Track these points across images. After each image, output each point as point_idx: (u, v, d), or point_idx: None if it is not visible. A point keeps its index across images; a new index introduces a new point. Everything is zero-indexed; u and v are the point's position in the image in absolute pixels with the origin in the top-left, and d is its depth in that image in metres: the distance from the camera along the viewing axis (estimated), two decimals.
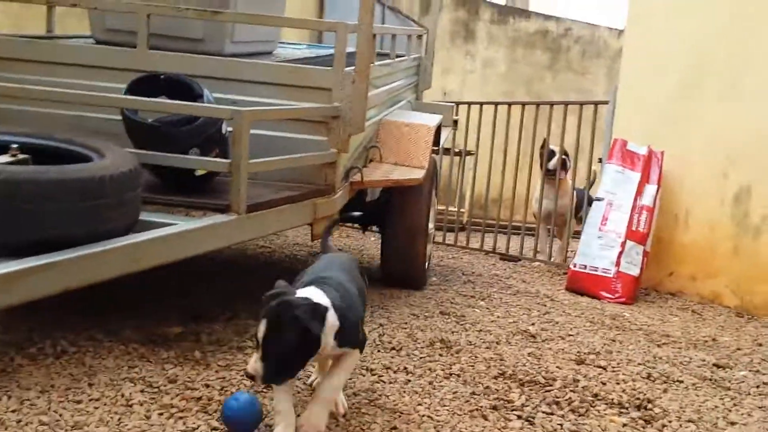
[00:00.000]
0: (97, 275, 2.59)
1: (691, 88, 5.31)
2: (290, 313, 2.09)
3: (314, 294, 2.19)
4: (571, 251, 6.04)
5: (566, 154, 6.04)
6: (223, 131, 3.20)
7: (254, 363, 2.12)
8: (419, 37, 5.58)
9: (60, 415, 2.29)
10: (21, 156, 2.76)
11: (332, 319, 2.18)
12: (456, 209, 7.30)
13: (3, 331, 2.94)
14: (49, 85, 3.34)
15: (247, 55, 3.85)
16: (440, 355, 3.27)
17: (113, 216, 2.67)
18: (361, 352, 2.38)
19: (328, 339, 2.18)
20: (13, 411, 2.29)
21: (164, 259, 2.80)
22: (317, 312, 2.13)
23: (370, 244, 6.02)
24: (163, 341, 3.04)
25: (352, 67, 3.48)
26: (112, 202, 2.64)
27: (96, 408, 2.37)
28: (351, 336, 2.27)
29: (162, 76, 3.24)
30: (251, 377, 2.13)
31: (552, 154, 6.01)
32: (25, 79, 3.42)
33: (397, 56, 4.71)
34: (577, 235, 6.18)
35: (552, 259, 6.11)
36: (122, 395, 2.48)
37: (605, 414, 2.79)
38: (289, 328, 2.08)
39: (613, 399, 2.93)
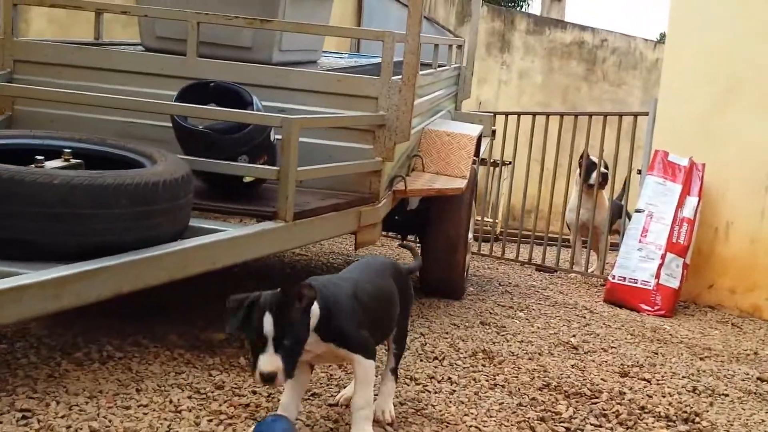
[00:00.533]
0: (148, 280, 2.62)
1: (731, 100, 5.26)
2: (285, 293, 2.06)
3: None
4: (607, 264, 6.00)
5: (606, 167, 5.99)
6: (272, 139, 3.22)
7: (269, 360, 2.01)
8: (459, 47, 5.58)
9: (110, 421, 2.30)
10: (73, 161, 2.81)
11: (315, 308, 2.12)
12: (491, 219, 7.27)
13: (49, 335, 2.97)
14: (100, 92, 3.38)
15: (294, 64, 3.88)
16: (483, 365, 3.25)
17: (164, 222, 2.70)
18: (367, 358, 2.24)
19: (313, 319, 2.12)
20: (62, 417, 2.30)
21: (212, 266, 2.82)
22: (304, 287, 2.09)
23: (407, 253, 6.01)
24: (207, 347, 3.05)
25: (399, 77, 3.49)
26: (163, 208, 2.67)
27: (145, 414, 2.38)
28: (337, 332, 2.18)
29: (211, 84, 3.28)
30: (271, 378, 2.01)
31: (593, 166, 5.97)
32: (76, 85, 3.47)
33: (438, 66, 4.71)
34: (613, 246, 6.14)
35: (589, 271, 6.06)
36: (170, 401, 2.49)
37: (653, 427, 2.75)
38: (293, 302, 2.04)
39: (660, 412, 2.90)
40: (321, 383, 2.78)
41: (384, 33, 3.47)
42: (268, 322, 2.02)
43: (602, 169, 5.96)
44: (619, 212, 6.18)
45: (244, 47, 3.66)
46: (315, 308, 2.14)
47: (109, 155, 2.96)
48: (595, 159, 5.97)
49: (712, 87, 5.34)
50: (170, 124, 3.22)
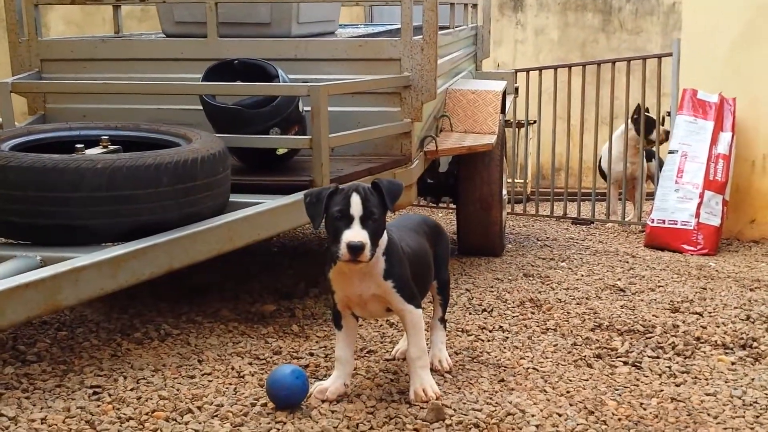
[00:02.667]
0: (196, 255, 2.67)
1: (756, 32, 5.16)
2: (374, 185, 2.18)
3: None
4: (643, 212, 5.95)
5: (662, 121, 5.89)
6: (300, 109, 3.24)
7: (357, 232, 2.08)
8: (474, 6, 5.55)
9: (177, 390, 2.36)
10: (112, 147, 2.86)
11: (384, 234, 2.20)
12: (521, 180, 7.24)
13: (106, 320, 3.04)
14: (128, 81, 3.43)
15: (313, 36, 3.89)
16: (532, 313, 3.26)
17: (205, 198, 2.74)
18: (417, 308, 2.28)
19: (383, 241, 2.19)
20: (131, 389, 2.36)
21: (257, 237, 2.86)
22: (395, 188, 2.21)
23: (437, 218, 6.03)
24: (260, 319, 3.10)
25: (419, 37, 3.48)
26: (203, 183, 2.71)
27: (210, 381, 2.43)
28: (395, 274, 2.22)
29: (235, 62, 3.30)
30: (358, 248, 2.06)
31: (652, 122, 5.87)
32: (102, 77, 3.52)
33: (456, 26, 4.70)
34: (649, 195, 6.08)
35: (626, 219, 6.02)
36: (232, 368, 2.54)
37: (711, 354, 2.75)
38: (376, 195, 2.15)
39: (716, 341, 2.89)
40: (375, 341, 2.82)
41: None
42: (356, 202, 2.11)
43: (665, 127, 5.87)
44: (650, 158, 6.12)
45: (262, 23, 3.68)
46: (384, 235, 2.20)
47: (144, 139, 3.01)
48: (660, 117, 5.87)
49: (737, 20, 5.25)
50: (198, 107, 3.26)
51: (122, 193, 2.56)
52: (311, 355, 2.66)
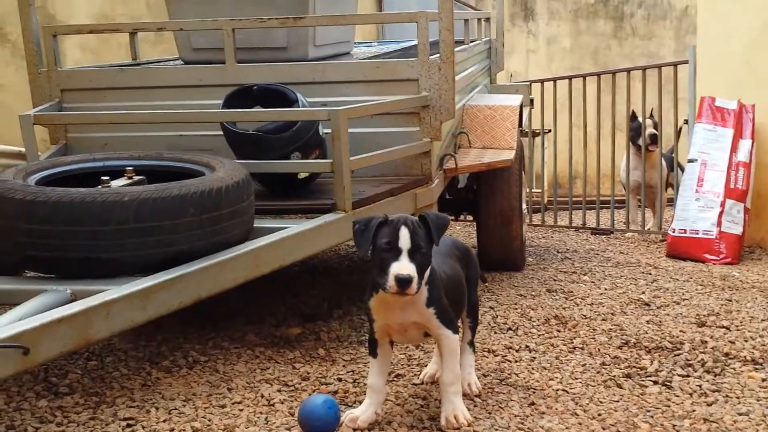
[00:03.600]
0: (224, 283, 2.68)
1: None
2: (422, 218, 2.20)
3: None
4: (663, 221, 5.93)
5: (655, 126, 5.90)
6: (321, 133, 3.26)
7: (405, 265, 2.09)
8: (486, 20, 5.56)
9: (209, 420, 2.37)
10: (137, 177, 2.88)
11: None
12: (539, 190, 7.23)
13: (134, 348, 3.06)
14: (146, 110, 3.46)
15: (330, 58, 3.91)
16: (558, 331, 3.25)
17: (231, 225, 2.75)
18: (454, 333, 2.30)
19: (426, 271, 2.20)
20: (164, 421, 2.38)
21: (282, 262, 2.87)
22: (441, 222, 2.23)
23: (457, 233, 6.03)
24: (285, 343, 3.11)
25: (436, 56, 3.49)
26: (229, 212, 2.73)
27: (241, 410, 2.44)
28: (437, 300, 2.24)
29: (255, 87, 3.32)
30: (406, 281, 2.08)
31: (640, 127, 5.87)
32: (123, 106, 3.55)
33: (470, 41, 4.70)
34: (670, 202, 6.06)
35: (646, 228, 5.99)
36: (262, 396, 2.55)
37: (742, 371, 2.73)
38: (424, 228, 2.16)
39: (745, 356, 2.87)
40: (402, 364, 2.82)
41: (417, 14, 3.48)
42: (404, 235, 2.12)
43: (651, 130, 5.87)
44: (671, 165, 6.10)
45: (279, 47, 3.69)
46: (432, 261, 2.22)
47: (167, 168, 3.02)
48: (643, 120, 5.87)
49: (752, 24, 5.22)
50: (218, 133, 3.28)
51: (149, 225, 2.57)
52: (339, 380, 2.67)
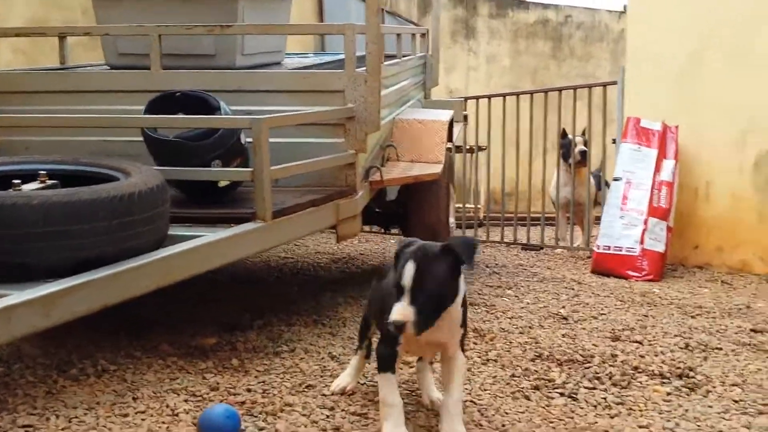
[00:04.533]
0: (133, 290, 2.64)
1: (699, 60, 5.31)
2: (441, 248, 2.01)
3: None
4: (591, 237, 6.05)
5: (585, 143, 6.04)
6: (243, 142, 3.25)
7: (403, 309, 1.95)
8: (422, 35, 5.62)
9: (110, 429, 2.33)
10: (50, 182, 2.83)
11: (462, 283, 2.09)
12: (473, 206, 7.32)
13: (43, 355, 2.99)
14: (70, 114, 3.40)
15: (258, 67, 3.90)
16: (475, 343, 3.29)
17: (143, 232, 2.72)
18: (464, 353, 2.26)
19: (459, 295, 2.09)
20: (63, 429, 2.32)
21: (196, 271, 2.84)
22: (470, 246, 2.03)
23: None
24: (200, 353, 3.07)
25: (363, 68, 3.52)
26: (141, 218, 2.69)
27: (143, 420, 2.40)
28: (465, 320, 2.18)
29: (178, 93, 3.30)
30: (400, 326, 1.96)
31: (570, 144, 6.01)
32: (47, 110, 3.49)
33: (403, 56, 4.75)
34: (598, 220, 6.19)
35: (575, 245, 6.11)
36: (167, 406, 2.51)
37: (648, 385, 2.79)
38: (442, 260, 1.99)
39: (653, 370, 2.94)
40: (315, 375, 2.81)
41: (344, 26, 3.51)
42: (408, 272, 1.96)
43: (581, 147, 6.01)
44: (598, 184, 6.24)
45: (207, 55, 3.68)
46: (462, 284, 2.10)
47: (83, 173, 2.98)
48: (578, 138, 6.02)
49: (679, 48, 5.39)
50: (142, 139, 3.24)
51: (58, 229, 2.52)
52: (249, 391, 2.64)
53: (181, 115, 3.18)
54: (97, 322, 3.21)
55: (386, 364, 2.18)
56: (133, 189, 2.68)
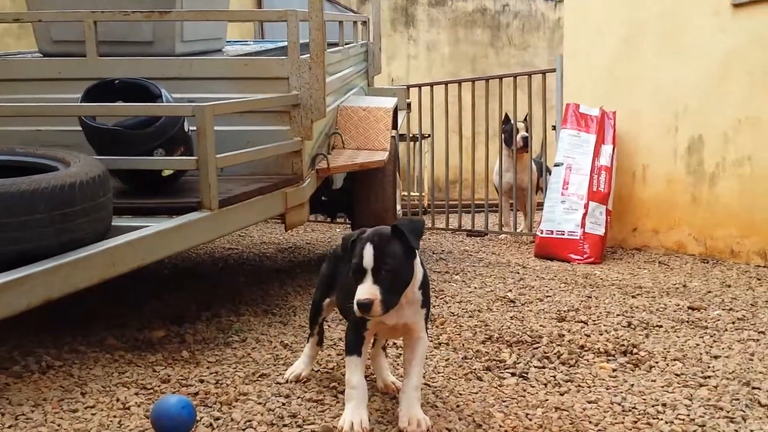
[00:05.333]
0: (78, 283, 2.57)
1: (633, 48, 5.44)
2: (392, 229, 2.07)
3: None
4: (534, 222, 6.15)
5: (527, 129, 6.12)
6: (186, 130, 3.18)
7: (369, 288, 1.99)
8: (363, 23, 5.61)
9: (58, 425, 2.26)
10: None
11: (419, 266, 2.14)
12: (417, 194, 7.35)
13: None
14: (2, 103, 3.28)
15: (198, 54, 3.83)
16: (426, 327, 3.29)
17: (86, 223, 2.64)
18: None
19: (416, 277, 2.14)
20: (9, 427, 2.25)
21: (141, 262, 2.78)
22: (416, 228, 2.09)
23: (337, 236, 6.03)
24: (148, 346, 3.01)
25: (307, 55, 3.49)
26: (83, 208, 2.62)
27: (93, 414, 2.34)
28: (427, 301, 2.22)
29: (116, 81, 3.21)
30: (367, 305, 1.98)
31: (512, 130, 6.08)
32: None
33: (346, 44, 4.72)
34: (540, 205, 6.30)
35: (518, 230, 6.19)
36: (117, 399, 2.45)
37: (594, 362, 2.85)
38: (396, 240, 2.05)
39: (599, 348, 3.00)
40: (268, 364, 2.78)
41: (287, 12, 3.47)
42: (368, 254, 2.01)
43: (523, 133, 6.09)
44: (540, 170, 6.34)
45: (145, 42, 3.60)
46: (419, 266, 2.15)
47: (20, 164, 2.87)
48: (520, 124, 6.09)
49: (615, 36, 5.51)
50: (79, 128, 3.15)
51: None
52: (201, 382, 2.60)
53: (121, 103, 3.09)
54: (37, 317, 3.11)
55: (353, 347, 2.22)
56: (74, 179, 2.60)
